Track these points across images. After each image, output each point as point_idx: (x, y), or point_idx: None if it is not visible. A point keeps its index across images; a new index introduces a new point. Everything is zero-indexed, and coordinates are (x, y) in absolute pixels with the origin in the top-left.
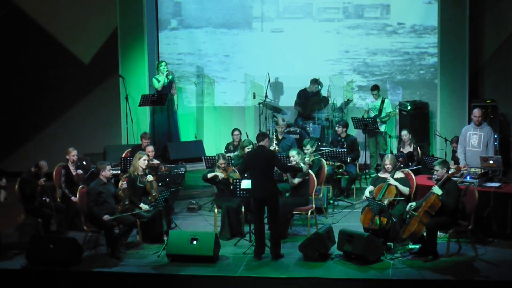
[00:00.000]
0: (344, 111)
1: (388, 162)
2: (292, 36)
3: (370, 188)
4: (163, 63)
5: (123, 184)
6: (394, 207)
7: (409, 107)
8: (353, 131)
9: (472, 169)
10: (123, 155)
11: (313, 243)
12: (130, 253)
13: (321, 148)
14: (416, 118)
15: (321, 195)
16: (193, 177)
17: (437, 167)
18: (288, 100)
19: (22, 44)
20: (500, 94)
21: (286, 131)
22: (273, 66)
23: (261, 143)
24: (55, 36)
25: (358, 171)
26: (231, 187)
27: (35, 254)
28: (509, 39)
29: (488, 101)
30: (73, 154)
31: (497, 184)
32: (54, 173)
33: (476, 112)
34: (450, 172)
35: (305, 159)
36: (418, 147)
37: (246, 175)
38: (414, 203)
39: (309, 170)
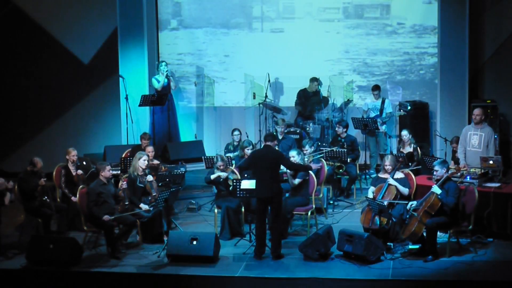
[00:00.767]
0: (344, 111)
1: (388, 162)
2: (292, 36)
3: (372, 188)
4: (163, 63)
5: (123, 184)
6: (394, 207)
7: (409, 107)
8: (353, 131)
9: (472, 169)
10: (123, 155)
11: (313, 243)
12: (130, 253)
13: (320, 148)
14: (416, 118)
15: (321, 195)
16: (193, 177)
17: (436, 167)
18: (288, 100)
19: (22, 44)
20: (500, 94)
21: (286, 131)
22: (273, 66)
23: (268, 143)
24: (55, 36)
25: (358, 171)
26: (231, 187)
27: (35, 254)
28: (509, 39)
29: (488, 101)
30: (73, 154)
31: (497, 184)
32: (54, 173)
33: (476, 111)
34: (450, 172)
35: (305, 160)
36: (418, 147)
37: (246, 175)
38: (414, 202)
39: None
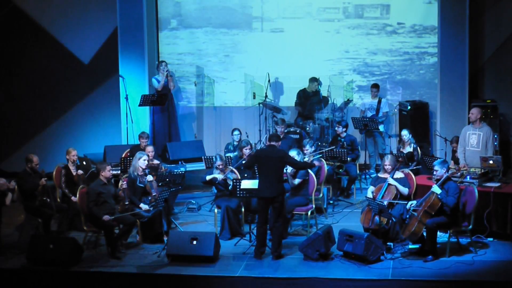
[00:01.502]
0: (344, 111)
1: (387, 162)
2: (292, 36)
3: (372, 188)
4: (163, 63)
5: (123, 184)
6: (394, 207)
7: (409, 107)
8: (353, 131)
9: (472, 169)
10: (123, 155)
11: (313, 243)
12: (130, 253)
13: (320, 148)
14: (416, 118)
15: (321, 195)
16: (193, 177)
17: (436, 167)
18: (288, 100)
19: (22, 44)
20: (500, 94)
21: (286, 131)
22: (273, 66)
23: (273, 143)
24: (55, 36)
25: (358, 171)
26: (230, 187)
27: (35, 254)
28: (509, 39)
29: (488, 101)
30: (73, 154)
31: (497, 184)
32: (54, 173)
33: (471, 110)
34: (450, 172)
35: (305, 159)
36: (418, 147)
37: (246, 175)
38: (414, 202)
39: (309, 170)
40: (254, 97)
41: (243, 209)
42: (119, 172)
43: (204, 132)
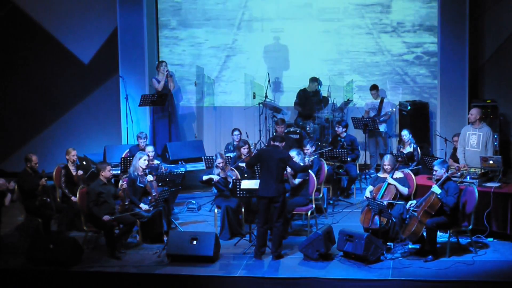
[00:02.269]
0: (344, 111)
1: (387, 162)
2: (292, 36)
3: (370, 188)
4: (163, 63)
5: (123, 184)
6: (394, 207)
7: (409, 107)
8: (353, 131)
9: (472, 169)
10: (123, 155)
11: (313, 243)
12: (130, 253)
13: (320, 148)
14: (416, 118)
15: (321, 195)
16: (193, 177)
17: (436, 167)
18: (288, 100)
19: (22, 44)
20: (500, 94)
21: (286, 131)
22: (273, 66)
23: (277, 143)
24: (55, 36)
25: (358, 171)
26: (230, 187)
27: (35, 254)
28: (509, 39)
29: (488, 101)
30: (73, 154)
31: (497, 184)
32: (54, 173)
33: (471, 110)
34: (449, 172)
35: (305, 159)
36: (418, 147)
37: (246, 175)
38: (414, 201)
39: (309, 170)
40: (254, 97)
41: (243, 209)
42: (119, 172)
43: (204, 132)
